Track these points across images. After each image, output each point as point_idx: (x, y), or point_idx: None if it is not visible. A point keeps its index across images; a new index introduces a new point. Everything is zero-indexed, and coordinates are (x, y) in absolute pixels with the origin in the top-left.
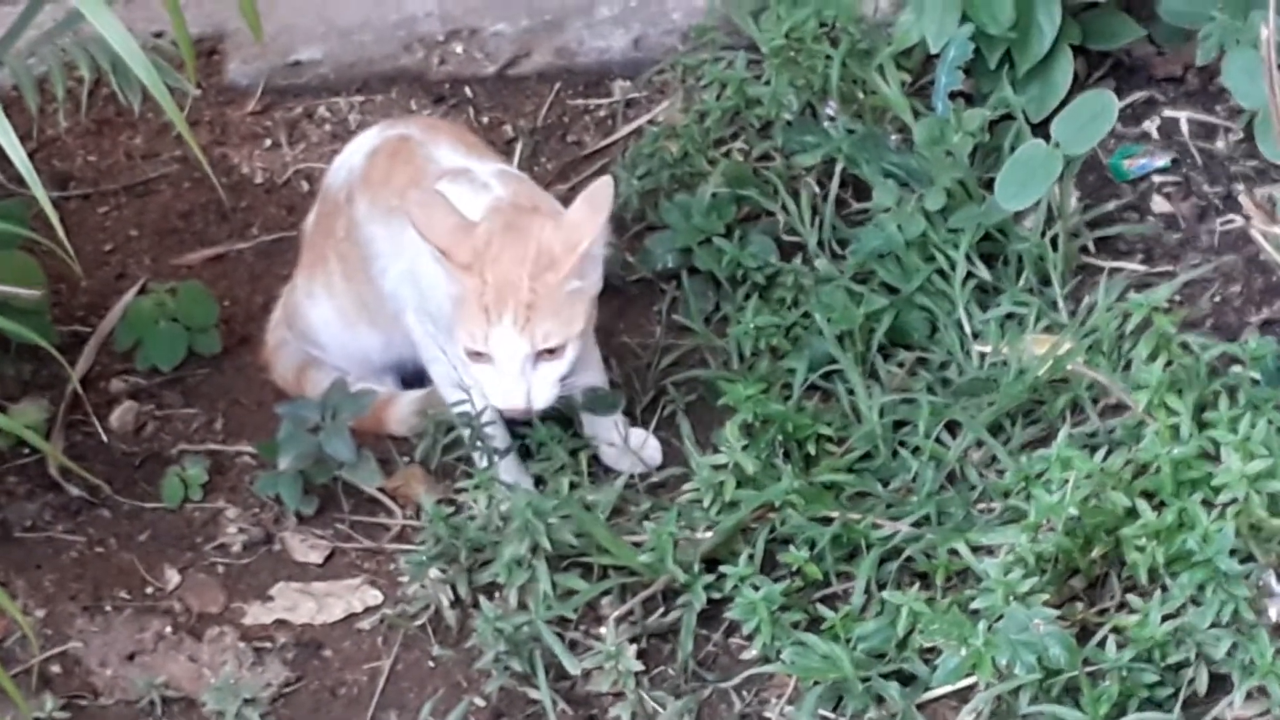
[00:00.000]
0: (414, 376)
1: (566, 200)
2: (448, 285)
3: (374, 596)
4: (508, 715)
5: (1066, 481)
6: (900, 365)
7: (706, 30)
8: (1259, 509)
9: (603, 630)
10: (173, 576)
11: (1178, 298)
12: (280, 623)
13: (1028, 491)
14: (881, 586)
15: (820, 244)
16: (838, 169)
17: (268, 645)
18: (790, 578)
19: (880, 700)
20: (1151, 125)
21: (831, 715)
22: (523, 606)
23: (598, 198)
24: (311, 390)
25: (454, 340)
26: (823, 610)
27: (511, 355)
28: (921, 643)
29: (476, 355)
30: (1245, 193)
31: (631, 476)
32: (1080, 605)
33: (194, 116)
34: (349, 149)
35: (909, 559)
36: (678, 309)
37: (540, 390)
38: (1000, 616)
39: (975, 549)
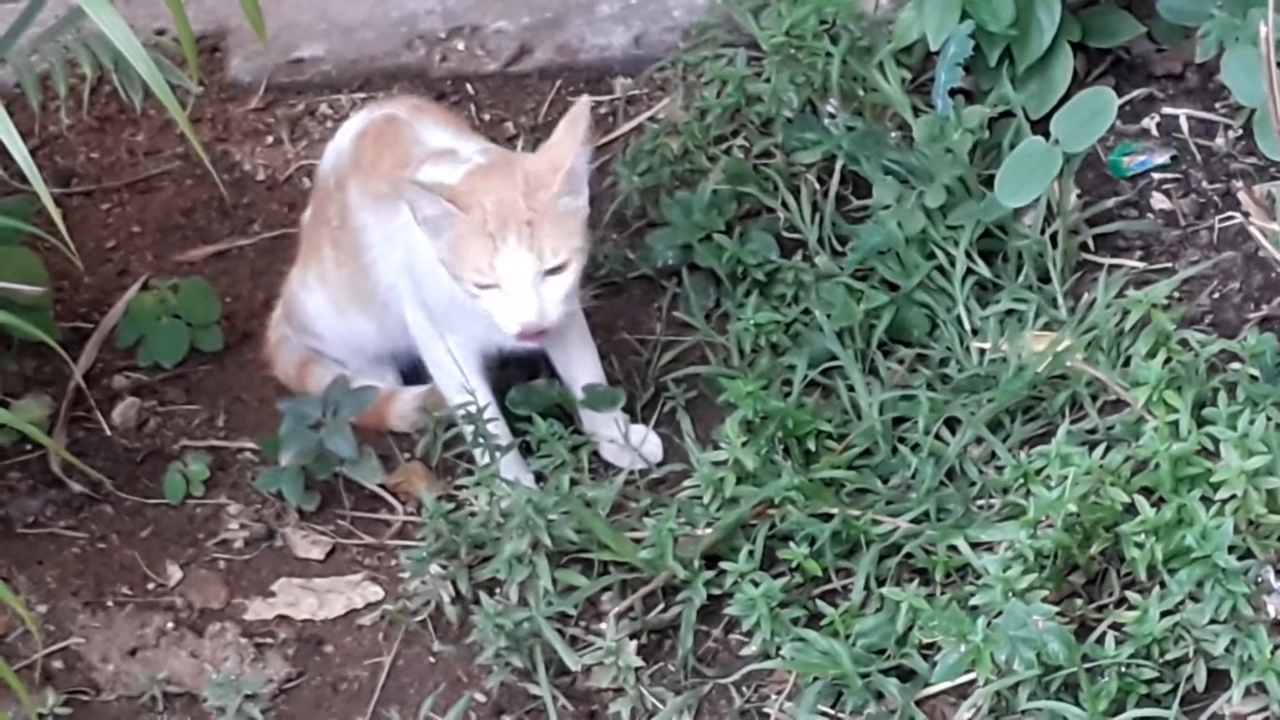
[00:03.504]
0: (412, 369)
1: None
2: (447, 237)
3: (375, 592)
4: (508, 711)
5: (1065, 478)
6: (900, 362)
7: (707, 27)
8: (1258, 505)
9: (603, 626)
10: (174, 572)
11: (1177, 294)
12: (281, 618)
13: (1027, 488)
14: (881, 583)
15: (820, 241)
16: (838, 166)
17: (269, 641)
18: (790, 574)
19: (879, 696)
20: (1151, 122)
21: (831, 711)
22: (523, 602)
23: (576, 117)
24: (313, 386)
25: (454, 328)
26: (822, 606)
27: (520, 273)
28: (921, 639)
29: (484, 287)
30: (1244, 190)
31: (632, 473)
32: (1079, 601)
33: (196, 114)
34: (339, 133)
35: (908, 555)
36: (678, 305)
37: (551, 305)
38: (999, 612)
39: (974, 545)
